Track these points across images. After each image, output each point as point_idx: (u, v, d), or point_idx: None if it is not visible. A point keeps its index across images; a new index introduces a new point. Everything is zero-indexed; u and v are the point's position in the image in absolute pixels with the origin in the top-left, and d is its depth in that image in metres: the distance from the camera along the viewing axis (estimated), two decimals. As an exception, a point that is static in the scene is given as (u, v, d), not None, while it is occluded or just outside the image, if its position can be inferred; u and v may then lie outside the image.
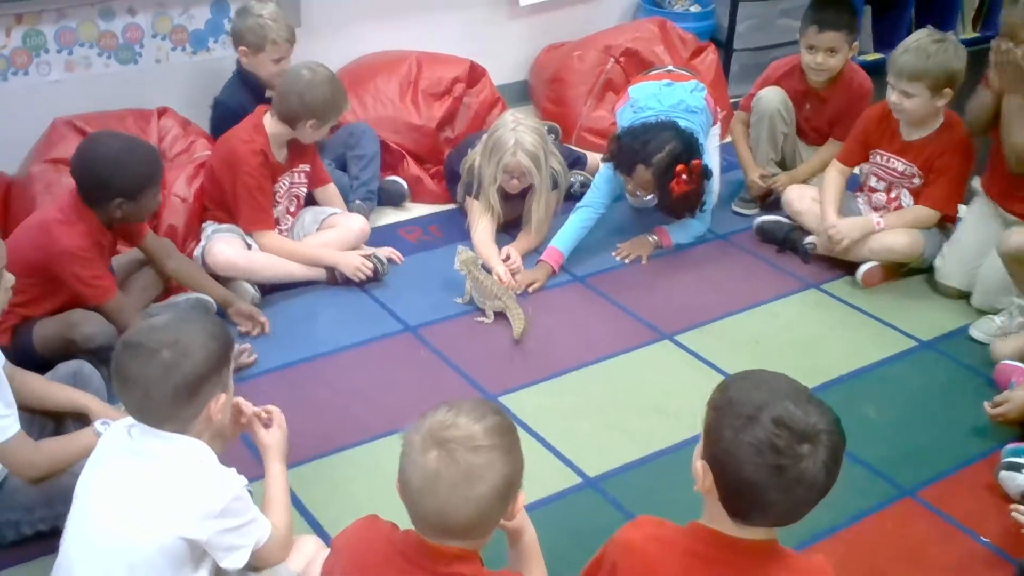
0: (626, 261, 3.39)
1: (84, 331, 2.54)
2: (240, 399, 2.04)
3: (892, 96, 3.13)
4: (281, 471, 2.01)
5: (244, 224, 3.07)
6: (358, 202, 3.42)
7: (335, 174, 3.46)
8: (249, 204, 3.04)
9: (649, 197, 3.34)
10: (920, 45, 3.06)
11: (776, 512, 1.46)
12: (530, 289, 3.17)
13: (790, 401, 1.44)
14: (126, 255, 2.94)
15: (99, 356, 2.52)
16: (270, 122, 3.04)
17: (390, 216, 3.60)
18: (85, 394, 2.27)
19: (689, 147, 3.18)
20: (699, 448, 1.53)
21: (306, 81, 3.00)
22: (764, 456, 1.41)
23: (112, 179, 2.53)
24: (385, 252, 3.25)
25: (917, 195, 3.26)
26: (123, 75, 3.52)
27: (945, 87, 3.06)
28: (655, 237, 3.45)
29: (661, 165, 3.14)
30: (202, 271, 2.97)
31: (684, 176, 3.15)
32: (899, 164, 3.25)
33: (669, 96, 3.43)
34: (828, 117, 3.62)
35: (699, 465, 1.50)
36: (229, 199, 3.07)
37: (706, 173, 3.25)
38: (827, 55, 3.45)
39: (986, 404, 2.59)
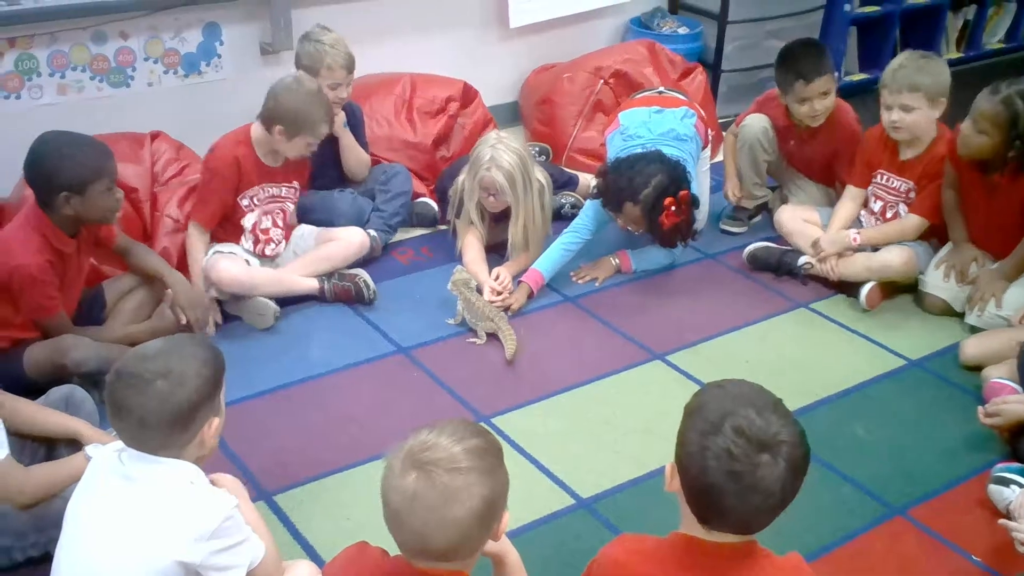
0: (581, 283, 3.38)
1: (75, 356, 2.54)
2: None
3: (892, 115, 3.15)
4: (250, 506, 1.95)
5: (191, 212, 3.12)
6: (373, 232, 3.41)
7: (359, 199, 3.47)
8: (198, 194, 3.11)
9: (640, 232, 3.31)
10: (911, 60, 3.16)
11: (734, 518, 1.49)
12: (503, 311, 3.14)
13: (753, 410, 1.47)
14: (117, 278, 2.94)
15: (90, 380, 2.52)
16: (255, 127, 3.07)
17: (383, 237, 3.61)
18: (77, 419, 2.27)
19: (676, 178, 3.15)
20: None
21: (285, 86, 3.02)
22: (721, 461, 1.44)
23: (56, 172, 2.52)
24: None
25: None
26: (115, 98, 3.54)
27: (940, 96, 3.13)
28: (617, 260, 3.44)
29: (648, 201, 3.12)
30: (160, 259, 2.95)
31: (673, 208, 3.12)
32: (897, 182, 3.28)
33: (659, 124, 3.42)
34: (817, 154, 3.59)
35: (668, 466, 1.55)
36: None
37: (695, 202, 3.24)
38: (821, 99, 3.41)
39: (980, 409, 2.59)
